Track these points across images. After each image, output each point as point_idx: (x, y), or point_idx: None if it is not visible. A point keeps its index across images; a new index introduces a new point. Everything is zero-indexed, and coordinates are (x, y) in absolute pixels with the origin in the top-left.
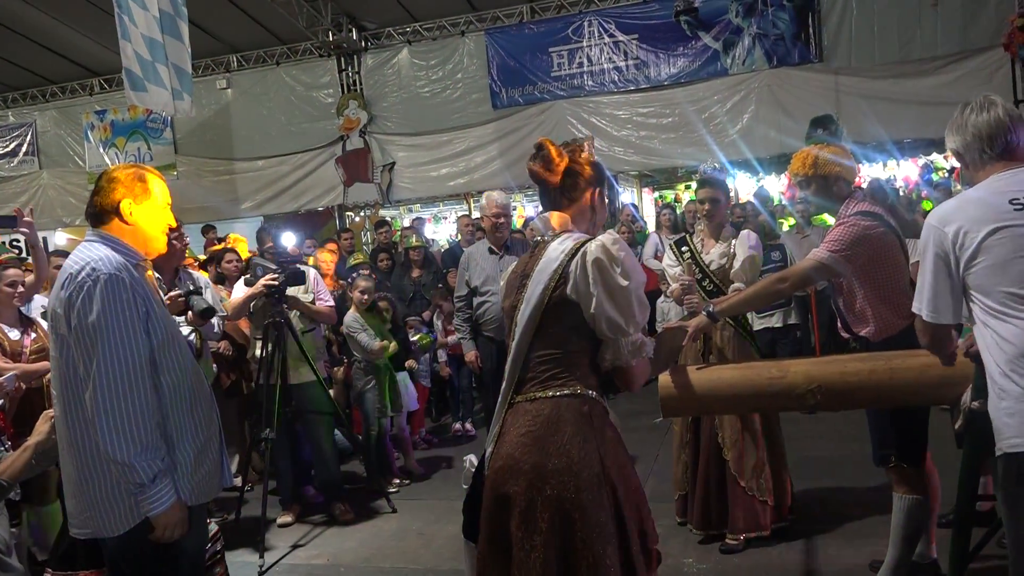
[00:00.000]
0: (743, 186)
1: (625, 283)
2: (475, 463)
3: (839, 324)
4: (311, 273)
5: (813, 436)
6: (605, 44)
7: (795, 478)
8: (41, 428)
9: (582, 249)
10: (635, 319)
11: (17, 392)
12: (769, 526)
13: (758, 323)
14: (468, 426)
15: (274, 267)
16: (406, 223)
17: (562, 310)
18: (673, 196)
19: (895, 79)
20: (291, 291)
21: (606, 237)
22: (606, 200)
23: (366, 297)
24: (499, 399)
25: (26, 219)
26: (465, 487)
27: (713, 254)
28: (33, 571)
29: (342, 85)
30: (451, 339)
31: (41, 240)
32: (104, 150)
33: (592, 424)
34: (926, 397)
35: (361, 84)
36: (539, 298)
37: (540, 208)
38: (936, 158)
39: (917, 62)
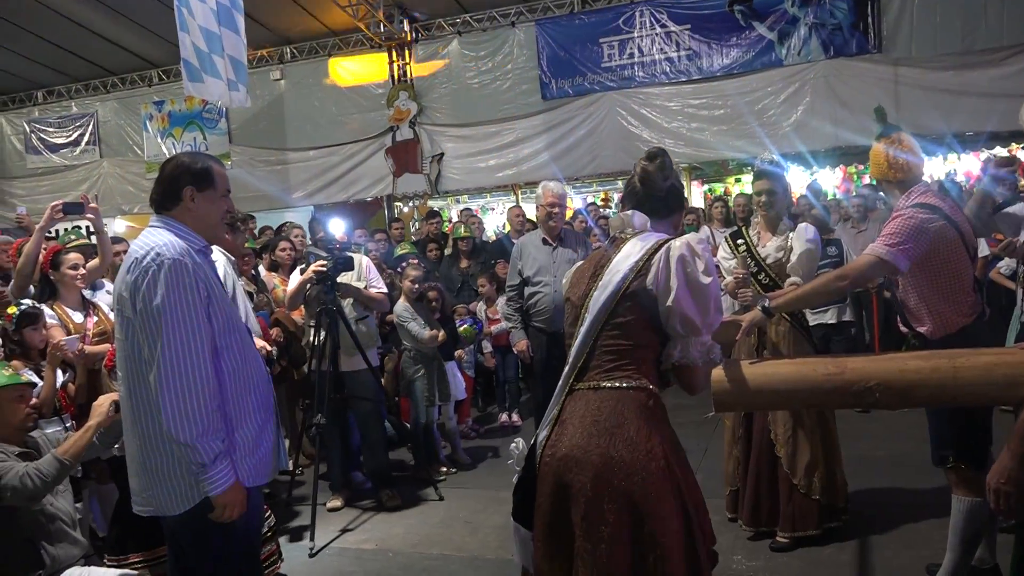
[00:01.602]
0: (796, 180)
1: (707, 280)
2: (524, 448)
3: (899, 318)
4: (364, 261)
5: (869, 435)
6: (657, 35)
7: (849, 477)
8: (101, 409)
9: (666, 245)
10: (709, 319)
11: (79, 356)
12: (820, 525)
13: (812, 319)
14: (515, 417)
15: (324, 255)
16: (454, 214)
17: (638, 301)
18: (723, 189)
19: (957, 70)
20: (343, 278)
21: (691, 236)
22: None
23: (416, 286)
24: (559, 383)
25: (92, 206)
26: (517, 469)
27: (769, 248)
28: (93, 546)
29: (392, 76)
30: (495, 328)
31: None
32: (161, 140)
33: (656, 418)
34: (990, 398)
35: (411, 75)
36: (617, 285)
37: (578, 204)
38: (999, 152)
39: (980, 53)
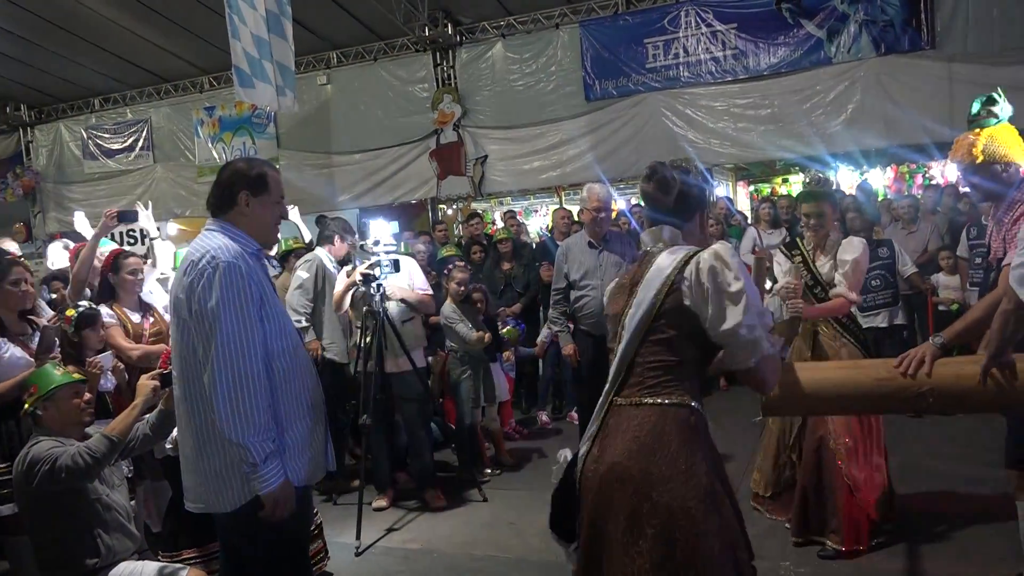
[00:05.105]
0: (846, 180)
1: (740, 285)
2: (569, 459)
3: None
4: (410, 263)
5: (918, 439)
6: (702, 34)
7: (901, 484)
8: (145, 388)
9: (695, 258)
10: (753, 321)
11: (116, 372)
12: (867, 540)
13: (863, 323)
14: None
15: (370, 258)
16: (498, 216)
17: (675, 318)
18: (770, 189)
19: (1017, 66)
20: (389, 280)
21: (719, 246)
22: (708, 221)
23: (462, 288)
24: (600, 399)
25: (146, 213)
26: (554, 483)
27: (822, 265)
28: (148, 542)
29: (437, 79)
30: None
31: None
32: (212, 145)
33: (698, 435)
34: None
35: (456, 78)
36: (650, 303)
37: (622, 205)
38: None
39: None
